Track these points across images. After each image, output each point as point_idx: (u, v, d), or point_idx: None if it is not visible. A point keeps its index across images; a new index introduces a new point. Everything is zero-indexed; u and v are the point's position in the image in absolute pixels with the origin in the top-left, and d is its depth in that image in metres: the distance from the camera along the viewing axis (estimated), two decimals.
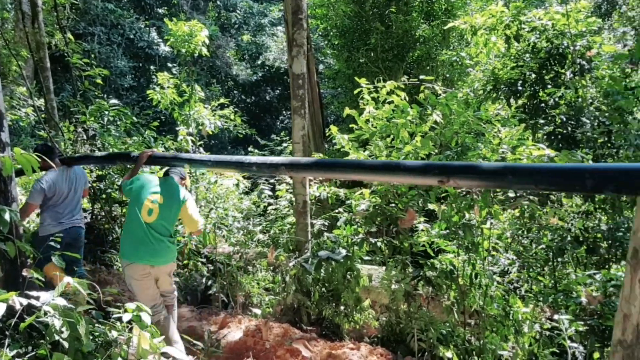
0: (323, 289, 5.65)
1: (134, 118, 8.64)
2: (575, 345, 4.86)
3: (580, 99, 7.96)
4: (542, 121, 8.10)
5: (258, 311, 5.50)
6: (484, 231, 5.34)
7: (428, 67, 13.07)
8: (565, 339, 4.70)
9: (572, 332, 4.76)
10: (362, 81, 6.18)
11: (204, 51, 8.56)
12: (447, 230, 5.48)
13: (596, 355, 4.77)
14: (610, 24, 16.97)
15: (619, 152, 7.80)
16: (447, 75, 13.15)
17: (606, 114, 7.98)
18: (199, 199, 8.35)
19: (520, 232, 6.98)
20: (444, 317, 5.44)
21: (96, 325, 3.18)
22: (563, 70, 8.25)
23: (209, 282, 6.54)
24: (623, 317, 2.60)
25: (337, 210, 6.51)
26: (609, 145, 8.26)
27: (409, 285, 5.45)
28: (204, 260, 6.94)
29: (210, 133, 8.77)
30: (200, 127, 8.64)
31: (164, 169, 5.09)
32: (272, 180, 8.32)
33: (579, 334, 4.92)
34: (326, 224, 6.53)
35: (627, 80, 7.74)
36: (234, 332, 5.09)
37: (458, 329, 5.17)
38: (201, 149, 8.95)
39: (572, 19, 7.98)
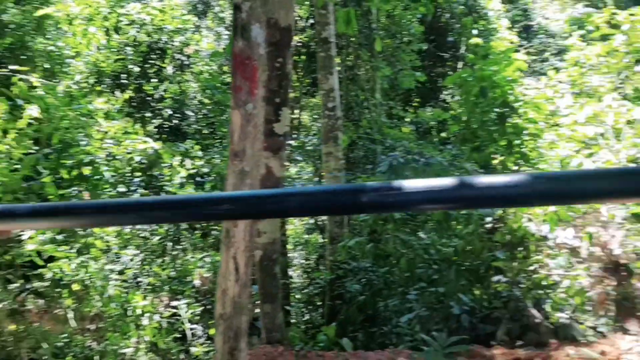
0: None
1: None
2: (195, 326, 5.14)
3: (183, 94, 8.40)
4: (149, 114, 8.23)
5: None
6: (94, 231, 5.10)
7: (24, 57, 11.69)
8: (184, 322, 4.92)
9: (190, 314, 5.01)
10: None
11: None
12: (61, 235, 5.06)
13: (212, 331, 5.14)
14: (207, 23, 18.43)
15: (223, 142, 8.58)
16: (48, 66, 12.06)
17: (208, 107, 8.62)
18: None
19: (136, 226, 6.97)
20: (60, 328, 5.02)
21: None
22: (165, 65, 8.56)
23: None
24: (222, 293, 2.81)
25: None
26: (214, 136, 8.99)
27: (14, 302, 4.83)
28: None
29: None
30: None
31: None
32: None
33: (197, 315, 5.22)
34: None
35: (224, 77, 8.52)
36: None
37: (76, 338, 4.83)
38: None
39: (168, 16, 8.32)
